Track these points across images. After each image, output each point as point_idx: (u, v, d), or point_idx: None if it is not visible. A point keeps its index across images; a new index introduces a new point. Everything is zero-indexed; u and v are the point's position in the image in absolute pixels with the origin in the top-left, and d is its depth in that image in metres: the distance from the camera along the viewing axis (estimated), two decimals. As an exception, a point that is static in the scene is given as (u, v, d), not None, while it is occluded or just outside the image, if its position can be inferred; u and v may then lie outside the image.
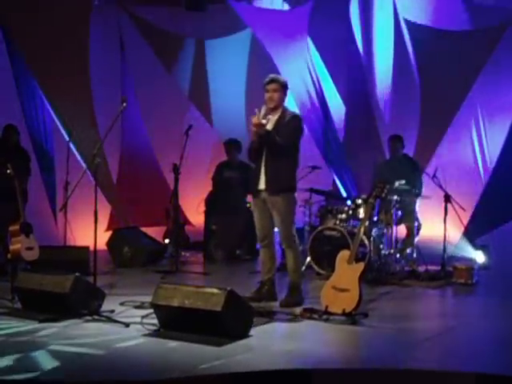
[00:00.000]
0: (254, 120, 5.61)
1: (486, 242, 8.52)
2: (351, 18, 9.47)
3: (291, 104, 7.76)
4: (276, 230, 6.03)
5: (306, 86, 9.46)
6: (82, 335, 4.62)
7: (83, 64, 9.39)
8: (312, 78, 9.52)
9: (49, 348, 4.27)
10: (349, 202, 7.98)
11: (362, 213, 7.61)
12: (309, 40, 9.59)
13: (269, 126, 5.73)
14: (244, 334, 4.61)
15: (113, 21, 10.07)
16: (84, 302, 5.17)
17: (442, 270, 7.46)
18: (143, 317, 4.97)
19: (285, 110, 5.86)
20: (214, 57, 10.52)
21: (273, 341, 4.60)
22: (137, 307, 5.51)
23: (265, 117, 5.67)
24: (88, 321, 5.04)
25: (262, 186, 5.80)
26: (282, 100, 5.85)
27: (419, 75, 9.21)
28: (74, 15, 9.19)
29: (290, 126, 5.77)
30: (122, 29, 10.11)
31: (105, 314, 5.15)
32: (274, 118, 5.81)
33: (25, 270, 6.25)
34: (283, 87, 5.82)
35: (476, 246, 8.45)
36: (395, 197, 7.45)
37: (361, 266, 5.30)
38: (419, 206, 8.04)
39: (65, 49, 9.07)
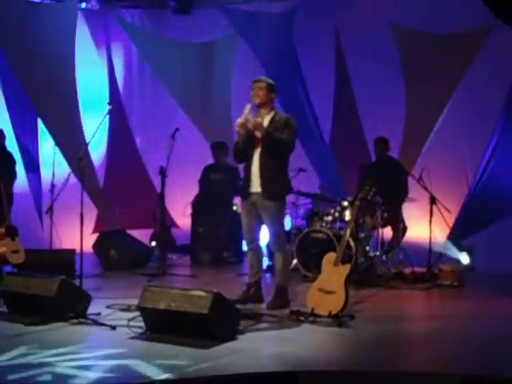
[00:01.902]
0: (239, 120, 5.61)
1: (471, 243, 8.58)
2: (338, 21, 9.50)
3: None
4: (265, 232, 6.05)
5: (293, 89, 9.48)
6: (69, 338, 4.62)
7: (70, 67, 9.38)
8: (299, 80, 9.54)
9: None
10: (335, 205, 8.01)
11: (348, 215, 7.65)
12: (295, 43, 9.60)
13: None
14: (231, 337, 4.62)
15: (100, 24, 10.05)
16: (70, 305, 5.15)
17: (428, 272, 7.50)
18: (130, 320, 4.96)
19: (277, 112, 5.84)
20: (202, 60, 10.51)
21: (260, 343, 4.60)
22: (123, 310, 5.49)
23: (250, 116, 5.64)
24: (74, 324, 5.03)
25: (253, 188, 5.76)
26: (267, 98, 5.80)
27: (404, 77, 9.24)
28: (60, 25, 9.24)
29: (290, 126, 5.73)
30: (109, 32, 10.08)
31: (91, 317, 5.13)
32: (264, 120, 5.74)
33: (10, 273, 6.22)
34: (268, 86, 5.80)
35: (461, 248, 8.50)
36: (381, 199, 7.48)
37: (347, 268, 5.32)
38: (405, 208, 8.08)
39: (51, 54, 9.07)
